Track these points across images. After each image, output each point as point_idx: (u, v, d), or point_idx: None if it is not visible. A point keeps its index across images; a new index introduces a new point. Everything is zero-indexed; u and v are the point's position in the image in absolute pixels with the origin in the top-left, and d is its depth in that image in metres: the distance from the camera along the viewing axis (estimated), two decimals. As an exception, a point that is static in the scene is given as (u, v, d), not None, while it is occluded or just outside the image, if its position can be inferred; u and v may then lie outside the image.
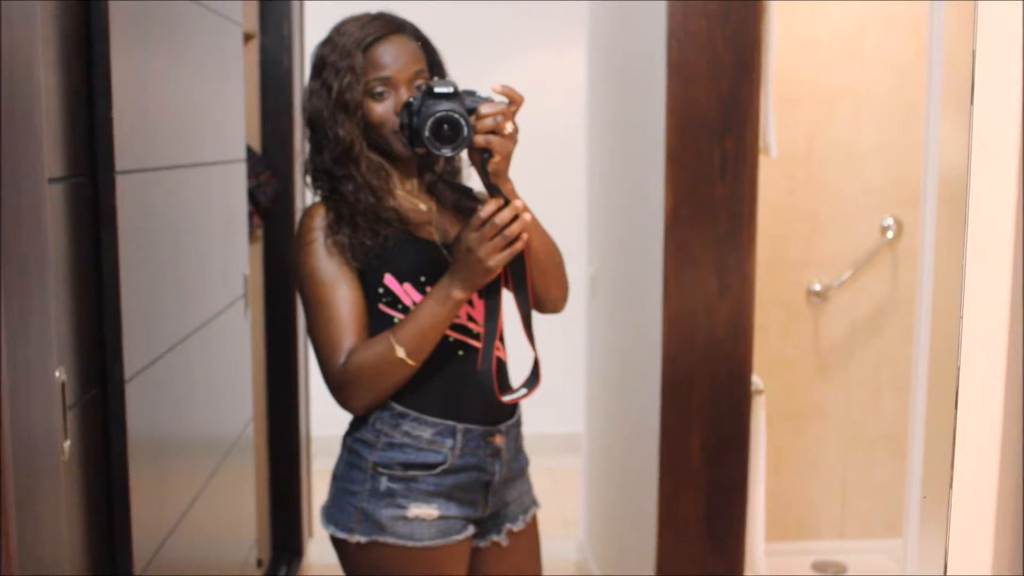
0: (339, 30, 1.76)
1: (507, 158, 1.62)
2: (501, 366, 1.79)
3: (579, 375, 3.63)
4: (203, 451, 2.03)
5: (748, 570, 2.35)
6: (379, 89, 1.73)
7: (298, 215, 2.70)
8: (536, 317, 1.76)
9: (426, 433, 1.75)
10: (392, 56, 1.73)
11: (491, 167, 1.60)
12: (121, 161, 1.50)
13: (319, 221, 1.74)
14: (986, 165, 1.10)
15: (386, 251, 1.73)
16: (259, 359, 3.26)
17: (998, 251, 1.11)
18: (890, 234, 3.27)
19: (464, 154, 1.65)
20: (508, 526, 1.88)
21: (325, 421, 2.89)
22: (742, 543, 2.31)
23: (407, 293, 1.74)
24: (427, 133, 1.59)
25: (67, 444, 1.30)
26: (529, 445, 1.95)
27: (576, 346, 3.64)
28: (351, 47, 1.72)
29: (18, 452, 1.01)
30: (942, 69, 1.25)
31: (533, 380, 1.72)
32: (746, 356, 2.25)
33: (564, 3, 4.55)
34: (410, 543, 1.74)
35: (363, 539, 1.75)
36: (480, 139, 1.59)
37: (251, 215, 2.97)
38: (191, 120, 1.95)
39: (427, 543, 1.75)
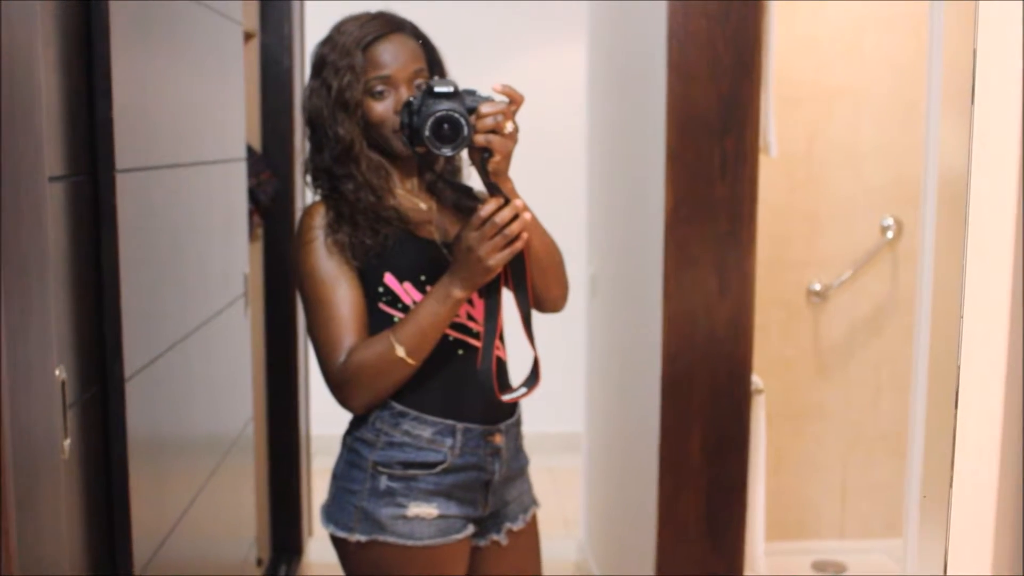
0: (339, 29, 1.76)
1: (507, 157, 1.62)
2: (501, 365, 1.79)
3: (579, 375, 3.63)
4: (203, 450, 2.03)
5: (748, 570, 2.35)
6: (379, 88, 1.73)
7: (298, 214, 2.70)
8: (536, 316, 1.76)
9: (426, 432, 1.75)
10: (392, 55, 1.73)
11: (491, 166, 1.60)
12: (121, 160, 1.50)
13: (319, 220, 1.74)
14: (986, 165, 1.10)
15: (386, 250, 1.73)
16: (259, 358, 3.26)
17: (998, 251, 1.11)
18: (890, 234, 3.27)
19: (464, 153, 1.66)
20: (508, 525, 1.88)
21: (325, 420, 2.89)
22: (742, 543, 2.31)
23: (407, 292, 1.74)
24: (427, 132, 1.59)
25: (67, 443, 1.30)
26: (529, 445, 1.95)
27: (576, 346, 3.64)
28: (351, 46, 1.72)
29: (18, 451, 1.01)
30: (942, 69, 1.25)
31: (533, 379, 1.72)
32: (746, 356, 2.25)
33: (564, 3, 4.54)
34: (410, 542, 1.74)
35: (363, 538, 1.75)
36: (480, 138, 1.59)
37: (251, 214, 2.97)
38: (191, 119, 1.95)
39: (427, 542, 1.75)
